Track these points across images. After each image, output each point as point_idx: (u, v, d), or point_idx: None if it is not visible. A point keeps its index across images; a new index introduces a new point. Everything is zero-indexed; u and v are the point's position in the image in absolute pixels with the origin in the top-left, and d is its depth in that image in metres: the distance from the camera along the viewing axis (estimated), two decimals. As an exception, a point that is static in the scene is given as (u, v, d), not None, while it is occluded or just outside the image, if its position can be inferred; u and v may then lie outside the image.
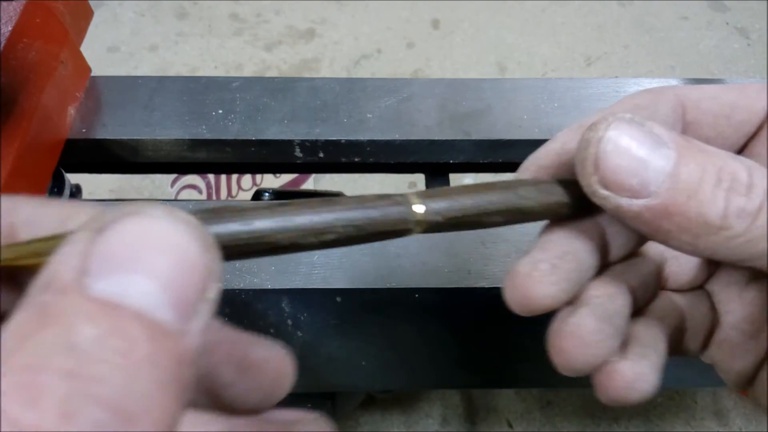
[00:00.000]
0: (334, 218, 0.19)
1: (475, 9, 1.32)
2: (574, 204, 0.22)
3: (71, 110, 0.44)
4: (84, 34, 0.47)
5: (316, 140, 0.44)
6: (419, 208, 0.20)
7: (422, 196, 0.21)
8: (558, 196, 0.22)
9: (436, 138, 0.44)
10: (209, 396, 0.19)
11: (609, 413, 0.84)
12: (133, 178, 1.06)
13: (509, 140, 0.44)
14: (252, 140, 0.44)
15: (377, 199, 0.20)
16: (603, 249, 0.23)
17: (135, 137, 0.44)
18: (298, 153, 0.45)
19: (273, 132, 0.44)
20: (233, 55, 1.24)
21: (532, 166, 0.24)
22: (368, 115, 0.45)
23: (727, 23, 1.29)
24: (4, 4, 0.40)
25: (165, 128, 0.44)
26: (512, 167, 0.48)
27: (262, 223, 0.18)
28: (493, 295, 0.38)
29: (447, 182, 0.48)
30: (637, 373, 0.21)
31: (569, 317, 0.21)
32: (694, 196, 0.19)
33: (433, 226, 0.21)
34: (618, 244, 0.23)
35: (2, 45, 0.39)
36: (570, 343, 0.21)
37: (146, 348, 0.12)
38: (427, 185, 0.48)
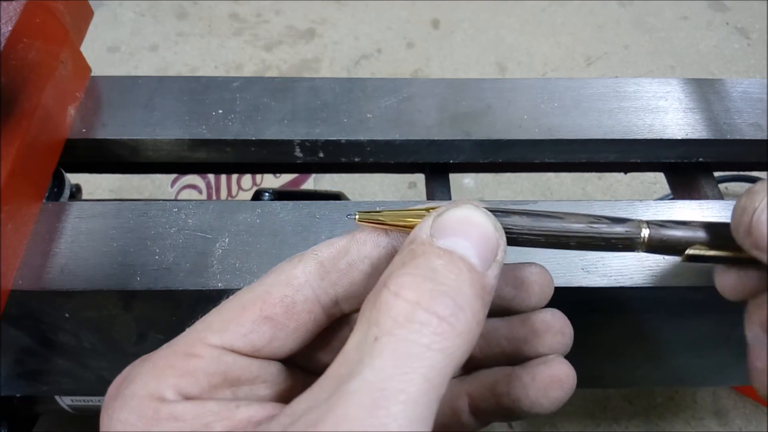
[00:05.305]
0: (578, 229, 0.27)
1: (475, 9, 1.32)
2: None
3: (71, 110, 0.44)
4: (84, 34, 0.47)
5: (316, 140, 0.44)
6: (645, 232, 0.27)
7: (651, 224, 0.27)
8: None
9: (436, 138, 0.44)
10: (502, 307, 0.30)
11: (609, 413, 0.84)
12: (133, 178, 1.06)
13: (509, 140, 0.44)
14: (252, 140, 0.44)
15: (612, 221, 0.27)
16: None
17: (135, 137, 0.44)
18: (298, 153, 0.45)
19: (273, 132, 0.44)
20: (233, 55, 1.24)
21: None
22: (368, 115, 0.45)
23: (727, 23, 1.29)
24: (4, 4, 0.40)
25: (165, 128, 0.44)
26: (512, 167, 0.48)
27: (522, 221, 0.27)
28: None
29: (447, 182, 0.48)
30: None
31: None
32: None
33: (652, 248, 0.28)
34: None
35: (2, 45, 0.39)
36: None
37: (468, 274, 0.23)
38: (427, 185, 0.48)
